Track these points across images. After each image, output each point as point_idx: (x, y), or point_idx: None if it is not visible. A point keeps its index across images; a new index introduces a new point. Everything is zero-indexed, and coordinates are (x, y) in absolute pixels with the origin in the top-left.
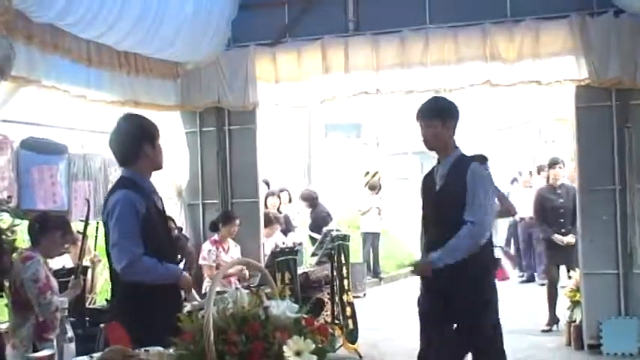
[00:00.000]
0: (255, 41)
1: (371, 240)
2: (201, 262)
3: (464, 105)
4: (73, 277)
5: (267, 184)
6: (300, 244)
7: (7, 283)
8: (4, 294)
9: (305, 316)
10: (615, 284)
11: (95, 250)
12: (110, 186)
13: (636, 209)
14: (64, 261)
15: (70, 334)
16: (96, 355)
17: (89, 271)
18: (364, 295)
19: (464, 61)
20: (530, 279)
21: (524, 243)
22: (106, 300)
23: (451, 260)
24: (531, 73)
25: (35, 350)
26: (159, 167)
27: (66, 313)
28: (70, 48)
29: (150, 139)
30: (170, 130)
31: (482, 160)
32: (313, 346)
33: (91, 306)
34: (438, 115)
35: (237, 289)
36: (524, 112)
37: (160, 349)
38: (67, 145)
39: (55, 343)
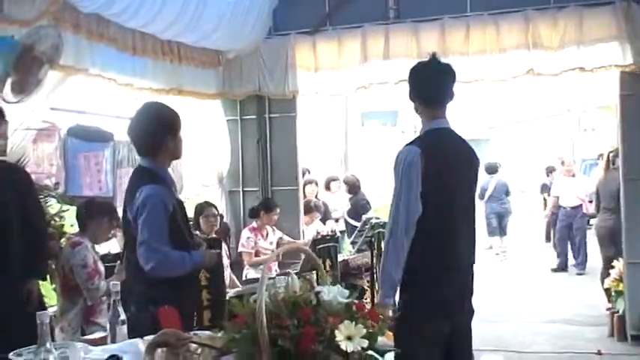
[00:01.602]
0: (295, 30)
1: None
2: (240, 249)
3: (502, 93)
4: (118, 262)
5: (308, 172)
6: (342, 231)
7: (54, 268)
8: (51, 278)
9: (356, 301)
10: None
11: None
12: None
13: None
14: (110, 246)
15: (123, 316)
16: (147, 337)
17: None
18: None
19: (506, 50)
20: (563, 268)
21: (561, 231)
22: None
23: (387, 286)
24: (575, 60)
25: (83, 333)
26: (177, 158)
27: (119, 297)
28: (116, 37)
29: (173, 131)
30: (211, 117)
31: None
32: (365, 330)
33: None
34: None
35: (285, 273)
36: (565, 100)
37: (209, 332)
38: (113, 132)
39: (107, 326)
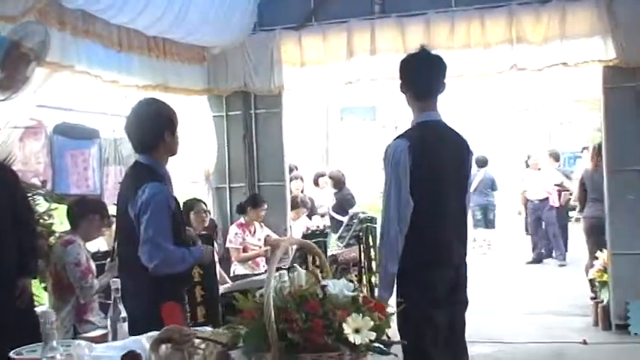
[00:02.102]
0: (280, 25)
1: None
2: (228, 245)
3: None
4: (109, 259)
5: (296, 168)
6: (327, 227)
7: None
8: (40, 277)
9: (361, 294)
10: None
11: None
12: None
13: None
14: (99, 244)
15: (124, 314)
16: (149, 333)
17: None
18: None
19: (490, 45)
20: (539, 260)
21: (532, 225)
22: None
23: (385, 281)
24: (558, 55)
25: (75, 332)
26: (174, 154)
27: (119, 294)
28: (101, 33)
29: (171, 127)
30: (197, 114)
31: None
32: (372, 323)
33: None
34: None
35: (290, 268)
36: (542, 94)
37: (208, 328)
38: (98, 129)
39: (108, 323)
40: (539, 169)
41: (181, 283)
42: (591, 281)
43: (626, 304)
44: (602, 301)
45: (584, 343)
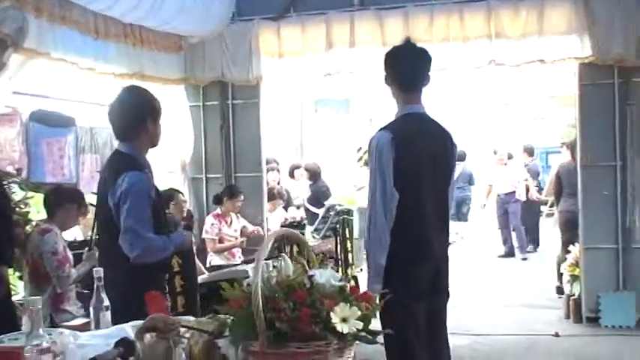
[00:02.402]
0: (259, 15)
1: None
2: (204, 235)
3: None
4: (87, 249)
5: (275, 162)
6: (306, 218)
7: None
8: (17, 266)
9: (349, 284)
10: (614, 259)
11: None
12: None
13: (636, 185)
14: (75, 233)
15: (107, 302)
16: (132, 322)
17: None
18: (361, 270)
19: (469, 39)
20: (510, 254)
21: (500, 219)
22: None
23: (373, 273)
24: (535, 52)
25: (52, 321)
26: (155, 145)
27: (102, 282)
28: (78, 20)
29: (153, 115)
30: (174, 103)
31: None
32: (359, 312)
33: None
34: None
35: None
36: (518, 90)
37: (191, 318)
38: (75, 117)
39: (91, 311)
40: (505, 164)
41: (161, 272)
42: (560, 274)
43: (598, 297)
44: (574, 294)
45: (557, 335)
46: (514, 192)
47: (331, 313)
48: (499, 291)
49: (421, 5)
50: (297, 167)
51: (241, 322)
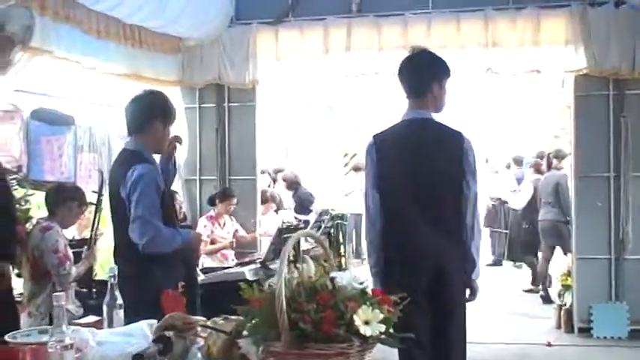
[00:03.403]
0: (257, 19)
1: (354, 221)
2: None
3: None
4: (86, 247)
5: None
6: (305, 221)
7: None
8: (16, 264)
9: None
10: (607, 269)
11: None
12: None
13: (630, 196)
14: (72, 232)
15: (120, 300)
16: (149, 320)
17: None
18: None
19: (465, 47)
20: (498, 262)
21: (490, 227)
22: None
23: (374, 279)
24: (531, 62)
25: (51, 319)
26: (159, 150)
27: (116, 280)
28: (81, 19)
29: (164, 118)
30: None
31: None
32: (382, 315)
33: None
34: None
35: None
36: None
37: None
38: (74, 116)
39: (104, 309)
40: (496, 172)
41: (177, 270)
42: (542, 281)
43: (590, 308)
44: (566, 304)
45: (549, 345)
46: (505, 201)
47: (354, 316)
48: (488, 299)
49: (419, 13)
50: (281, 171)
51: (263, 323)
